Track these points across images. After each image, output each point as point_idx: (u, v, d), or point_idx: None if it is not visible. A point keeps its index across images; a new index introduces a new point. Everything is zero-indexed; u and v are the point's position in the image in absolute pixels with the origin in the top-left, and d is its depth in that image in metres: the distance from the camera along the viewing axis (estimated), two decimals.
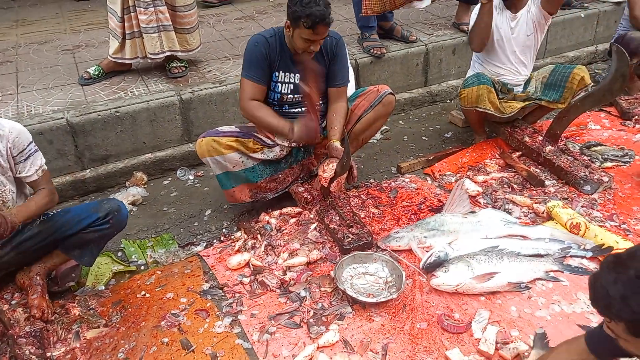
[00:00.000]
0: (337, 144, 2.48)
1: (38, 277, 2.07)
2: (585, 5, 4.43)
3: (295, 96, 2.53)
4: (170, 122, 3.07)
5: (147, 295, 2.18)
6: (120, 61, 3.15)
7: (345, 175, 2.49)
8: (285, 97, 2.53)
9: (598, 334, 1.38)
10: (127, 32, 3.03)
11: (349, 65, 2.77)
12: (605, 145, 3.10)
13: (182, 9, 3.07)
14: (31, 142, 1.97)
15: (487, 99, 2.88)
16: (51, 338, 1.95)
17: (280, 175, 2.66)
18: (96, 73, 3.17)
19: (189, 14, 3.12)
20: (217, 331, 1.98)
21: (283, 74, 2.48)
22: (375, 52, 3.54)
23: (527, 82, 3.15)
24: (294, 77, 2.49)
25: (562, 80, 2.95)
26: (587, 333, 1.45)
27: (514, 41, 2.98)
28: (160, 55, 3.12)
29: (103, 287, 2.25)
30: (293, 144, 2.63)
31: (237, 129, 2.53)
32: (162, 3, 2.98)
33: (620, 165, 2.92)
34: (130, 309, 2.11)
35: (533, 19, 2.93)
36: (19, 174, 1.96)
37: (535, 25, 2.94)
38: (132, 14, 2.97)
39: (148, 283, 2.25)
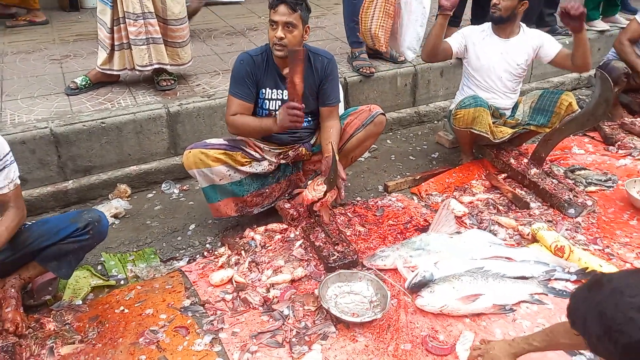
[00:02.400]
0: (337, 156, 2.47)
1: (13, 290, 2.00)
2: (570, 32, 4.53)
3: None
4: (156, 135, 3.04)
5: (126, 310, 2.12)
6: (108, 72, 3.13)
7: (332, 196, 2.48)
8: (273, 114, 2.53)
9: None
10: (116, 43, 3.02)
11: (339, 84, 2.79)
12: (589, 170, 3.14)
13: (174, 23, 3.07)
14: (8, 153, 1.88)
15: (484, 121, 2.88)
16: (24, 353, 1.87)
17: (267, 190, 2.64)
18: (83, 83, 3.14)
19: (180, 28, 3.11)
20: (196, 349, 1.93)
21: (270, 90, 2.49)
22: (364, 71, 3.57)
23: (515, 107, 3.19)
24: (282, 94, 2.49)
25: (550, 106, 2.99)
26: None
27: (501, 67, 2.99)
28: (148, 68, 3.10)
29: (80, 302, 2.18)
30: (282, 160, 2.62)
31: (226, 142, 2.51)
32: (153, 16, 2.98)
33: (603, 190, 2.96)
34: (107, 325, 2.05)
35: (529, 53, 2.98)
36: None
37: (529, 59, 3.01)
38: (122, 25, 2.96)
39: (127, 298, 2.20)
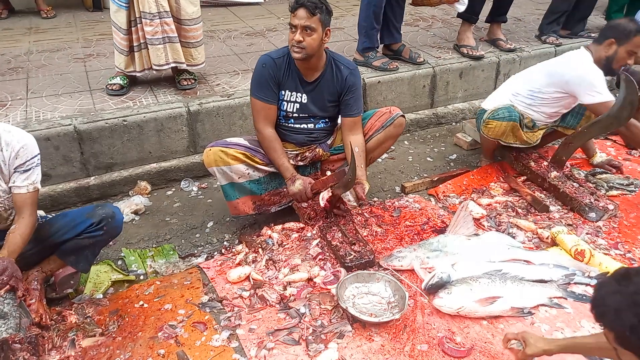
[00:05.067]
0: (367, 186, 2.50)
1: (36, 282, 2.04)
2: (593, 35, 4.47)
3: (301, 115, 2.56)
4: (176, 133, 3.08)
5: (145, 305, 2.16)
6: (132, 74, 3.17)
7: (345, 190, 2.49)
8: (290, 115, 2.56)
9: None
10: (134, 44, 3.02)
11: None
12: (611, 174, 3.09)
13: (188, 23, 3.07)
14: (36, 156, 1.91)
15: (514, 134, 2.88)
16: (46, 345, 1.92)
17: (284, 189, 2.65)
18: (125, 82, 3.16)
19: (194, 28, 3.11)
20: (214, 345, 1.95)
21: (290, 93, 2.51)
22: (392, 66, 3.59)
23: None
24: (301, 97, 2.51)
25: (582, 108, 2.95)
26: None
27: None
28: (165, 67, 3.11)
29: (101, 296, 2.23)
30: (299, 162, 2.64)
31: (246, 142, 2.54)
32: (169, 15, 2.97)
33: (625, 194, 2.91)
34: (127, 319, 2.08)
35: None
36: (12, 183, 1.89)
37: None
38: (139, 25, 2.96)
39: (146, 293, 2.23)
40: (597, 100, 2.73)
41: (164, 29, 3.00)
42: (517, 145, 2.93)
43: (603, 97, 2.72)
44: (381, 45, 3.79)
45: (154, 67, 3.09)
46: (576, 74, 2.76)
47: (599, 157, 3.18)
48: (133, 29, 2.99)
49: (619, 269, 1.24)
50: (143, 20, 2.94)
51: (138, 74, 3.18)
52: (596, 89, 2.72)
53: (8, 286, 1.75)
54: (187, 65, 3.22)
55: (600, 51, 2.79)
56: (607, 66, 2.79)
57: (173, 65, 3.14)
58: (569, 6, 4.23)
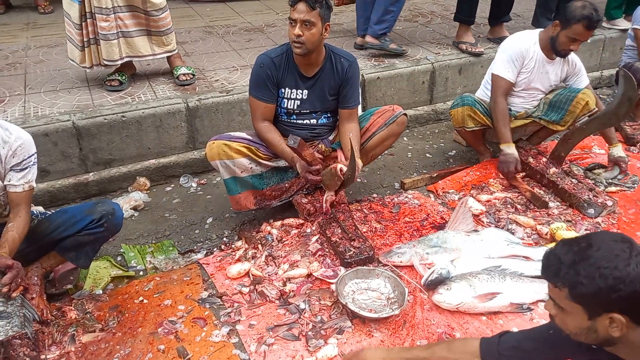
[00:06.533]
0: (360, 163, 2.49)
1: (35, 278, 2.04)
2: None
3: (302, 111, 2.56)
4: (175, 129, 3.07)
5: (145, 301, 2.16)
6: (82, 68, 3.12)
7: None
8: (292, 111, 2.56)
9: (491, 342, 1.53)
10: (84, 39, 2.98)
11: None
12: (608, 170, 3.09)
13: (154, 13, 3.04)
14: (33, 155, 1.92)
15: (472, 117, 2.98)
16: (46, 340, 1.92)
17: (286, 184, 2.66)
18: (124, 78, 3.15)
19: (161, 17, 3.08)
20: (214, 340, 1.95)
21: (289, 90, 2.51)
22: (404, 50, 3.73)
23: None
24: (301, 94, 2.51)
25: (566, 103, 2.95)
26: (483, 339, 1.57)
27: (541, 82, 2.99)
28: (118, 62, 3.06)
29: (101, 291, 2.22)
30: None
31: (250, 137, 2.54)
32: (122, 10, 2.94)
33: (624, 190, 2.92)
34: (127, 315, 2.08)
35: (561, 76, 3.02)
36: (8, 181, 1.90)
37: (559, 80, 3.03)
38: (89, 20, 2.92)
39: (146, 289, 2.23)
40: (491, 68, 2.99)
41: (117, 23, 2.96)
42: (479, 128, 3.04)
43: (493, 69, 2.96)
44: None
45: (105, 62, 3.03)
46: (503, 44, 2.99)
47: (616, 150, 3.06)
48: (83, 23, 2.93)
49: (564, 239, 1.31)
50: (97, 15, 2.89)
51: (88, 70, 3.14)
52: (498, 60, 2.94)
53: (21, 287, 1.78)
54: (161, 53, 3.20)
55: (548, 31, 2.86)
56: (552, 47, 2.86)
57: (126, 59, 3.10)
58: (553, 2, 4.23)
